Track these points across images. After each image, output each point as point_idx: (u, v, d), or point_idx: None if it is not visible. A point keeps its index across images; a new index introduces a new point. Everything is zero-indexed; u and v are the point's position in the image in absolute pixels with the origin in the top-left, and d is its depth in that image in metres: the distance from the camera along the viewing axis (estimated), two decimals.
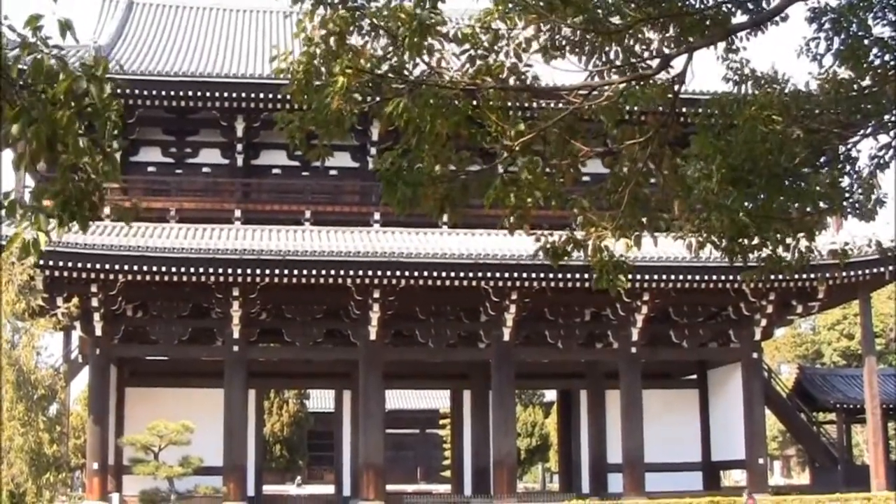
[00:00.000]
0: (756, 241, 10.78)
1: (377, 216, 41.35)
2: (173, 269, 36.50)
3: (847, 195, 10.99)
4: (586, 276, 33.86)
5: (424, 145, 8.85)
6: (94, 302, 38.36)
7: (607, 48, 10.55)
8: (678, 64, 10.78)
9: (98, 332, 39.21)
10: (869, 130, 11.30)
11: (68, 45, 6.92)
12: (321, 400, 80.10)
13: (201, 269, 36.70)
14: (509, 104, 9.71)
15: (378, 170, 9.10)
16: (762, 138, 10.15)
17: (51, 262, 34.97)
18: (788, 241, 10.96)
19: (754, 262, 11.49)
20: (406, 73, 8.97)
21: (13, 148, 6.93)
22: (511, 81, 9.53)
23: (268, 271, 37.07)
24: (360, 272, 37.46)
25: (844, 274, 38.38)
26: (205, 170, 42.86)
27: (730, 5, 10.84)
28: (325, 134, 8.84)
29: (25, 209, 6.80)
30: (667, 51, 10.73)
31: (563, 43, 10.44)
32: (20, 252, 6.89)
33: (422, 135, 8.77)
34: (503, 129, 9.47)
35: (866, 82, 11.15)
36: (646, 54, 10.80)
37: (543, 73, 10.52)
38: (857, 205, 11.00)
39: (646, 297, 40.45)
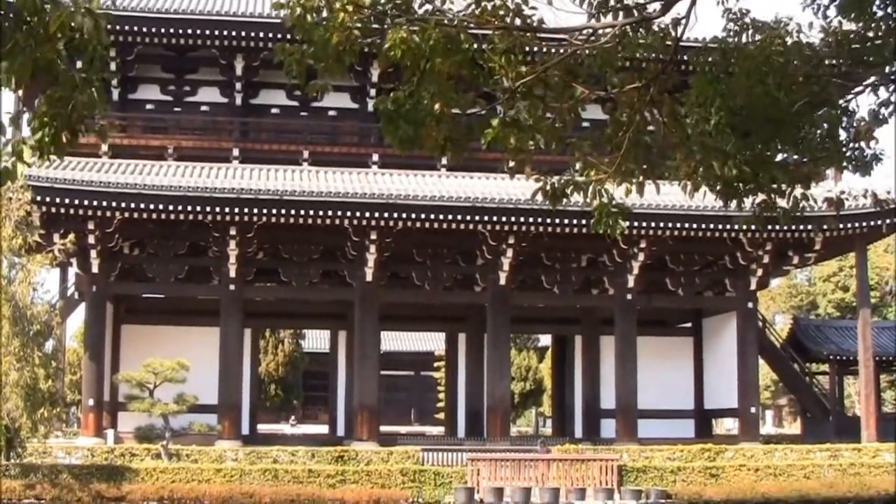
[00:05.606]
0: (752, 186, 10.70)
1: (375, 157, 41.29)
2: (170, 207, 36.50)
3: (844, 147, 10.90)
4: (584, 221, 34.02)
5: (426, 84, 8.79)
6: (91, 239, 38.28)
7: None
8: (679, 9, 10.68)
9: (94, 269, 39.21)
10: (870, 82, 11.21)
11: None
12: (316, 340, 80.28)
13: (198, 208, 36.68)
14: (513, 46, 9.61)
15: (378, 108, 9.03)
16: (761, 80, 10.06)
17: (48, 198, 34.95)
18: (784, 187, 10.88)
19: (749, 208, 11.42)
20: (409, 9, 8.89)
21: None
22: (516, 22, 9.44)
23: (265, 211, 37.02)
24: (358, 213, 37.42)
25: (841, 226, 38.39)
26: (203, 108, 42.71)
27: None
28: (324, 70, 8.78)
29: (7, 139, 6.76)
30: None
31: None
32: None
33: (423, 73, 8.70)
34: (506, 70, 9.40)
35: (870, 34, 11.04)
36: None
37: (547, 17, 10.45)
38: (853, 157, 10.90)
39: (643, 244, 40.45)
